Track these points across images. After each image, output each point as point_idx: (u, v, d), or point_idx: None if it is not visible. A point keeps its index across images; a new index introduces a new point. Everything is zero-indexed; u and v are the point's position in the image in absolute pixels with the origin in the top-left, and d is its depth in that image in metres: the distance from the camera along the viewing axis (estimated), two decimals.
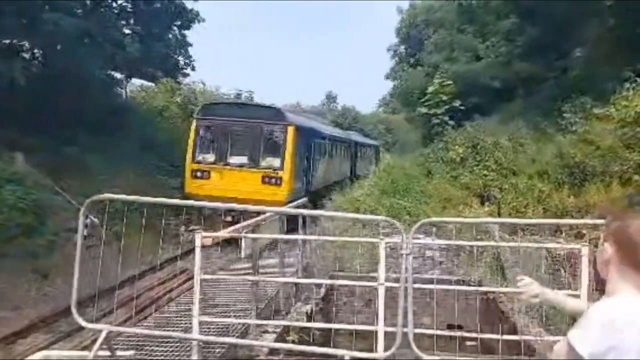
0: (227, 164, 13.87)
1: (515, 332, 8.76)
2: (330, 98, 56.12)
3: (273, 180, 13.58)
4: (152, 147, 20.01)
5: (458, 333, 5.57)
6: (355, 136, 26.75)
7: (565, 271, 8.36)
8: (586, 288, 5.36)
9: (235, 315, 6.44)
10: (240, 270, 8.48)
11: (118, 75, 22.71)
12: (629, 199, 10.95)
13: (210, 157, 14.02)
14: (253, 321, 5.76)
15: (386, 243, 5.27)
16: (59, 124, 15.76)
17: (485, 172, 15.85)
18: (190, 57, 25.59)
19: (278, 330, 7.19)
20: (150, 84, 25.94)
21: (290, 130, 13.95)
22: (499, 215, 12.51)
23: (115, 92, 23.33)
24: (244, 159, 13.86)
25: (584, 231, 9.02)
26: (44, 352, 5.49)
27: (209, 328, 5.73)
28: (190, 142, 14.26)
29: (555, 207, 12.75)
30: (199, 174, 13.94)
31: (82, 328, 7.83)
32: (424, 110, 22.15)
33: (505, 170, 15.50)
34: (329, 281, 8.09)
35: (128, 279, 9.49)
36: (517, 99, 22.86)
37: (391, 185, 15.50)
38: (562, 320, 8.63)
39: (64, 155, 15.04)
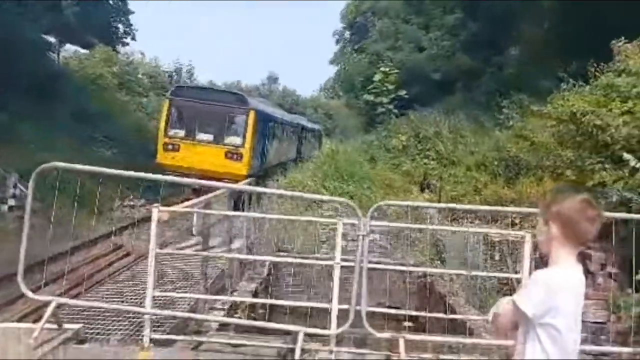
0: (195, 140, 15.21)
1: (452, 311, 9.21)
2: (272, 79, 55.48)
3: (235, 156, 15.06)
4: (86, 117, 19.04)
5: (408, 312, 5.72)
6: (302, 120, 28.47)
7: (503, 255, 8.84)
8: (527, 271, 5.69)
9: (184, 291, 6.30)
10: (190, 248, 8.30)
11: (52, 39, 21.23)
12: (556, 189, 11.66)
13: (181, 133, 15.30)
14: (206, 296, 5.67)
15: (344, 224, 5.33)
16: None
17: (426, 160, 16.34)
18: (131, 25, 24.48)
19: (226, 307, 7.13)
20: (85, 51, 24.50)
21: (251, 114, 15.53)
22: (439, 201, 12.96)
23: (49, 57, 21.90)
24: (210, 137, 15.30)
25: (516, 220, 9.57)
26: None
27: (157, 302, 5.57)
28: (163, 117, 15.61)
29: (490, 197, 13.37)
30: (170, 146, 15.21)
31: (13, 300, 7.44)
32: (369, 97, 22.41)
33: (445, 160, 16.05)
34: (284, 259, 8.05)
35: (60, 254, 9.04)
36: (457, 92, 23.65)
37: (335, 169, 15.63)
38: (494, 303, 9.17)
39: None
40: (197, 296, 5.57)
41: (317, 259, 10.76)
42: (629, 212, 6.88)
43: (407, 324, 11.07)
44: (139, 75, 26.22)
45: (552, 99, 11.18)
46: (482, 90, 21.80)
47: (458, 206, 8.03)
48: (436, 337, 5.54)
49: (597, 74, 10.90)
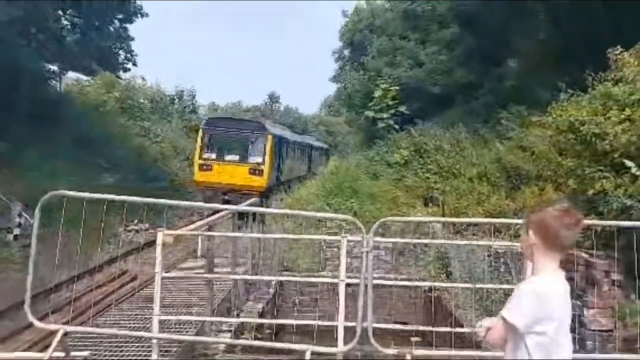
0: (224, 160, 18.57)
1: (460, 326, 9.16)
2: (273, 98, 55.89)
3: (257, 172, 18.33)
4: (88, 143, 19.20)
5: (415, 327, 5.71)
6: (311, 140, 32.90)
7: (506, 266, 8.82)
8: None
9: (190, 313, 6.31)
10: (194, 270, 8.31)
11: (54, 67, 21.52)
12: (553, 202, 11.66)
13: (213, 156, 18.68)
14: (212, 318, 5.68)
15: (348, 241, 5.36)
16: None
17: (428, 175, 16.35)
18: (132, 51, 24.78)
19: (233, 328, 7.13)
20: (87, 77, 24.81)
21: (269, 137, 18.99)
22: (443, 216, 12.96)
23: (50, 85, 22.14)
24: (236, 157, 18.75)
25: (521, 231, 9.57)
26: None
27: (166, 326, 5.59)
28: (198, 143, 19.06)
29: (493, 209, 13.34)
30: (204, 167, 18.44)
31: (21, 330, 7.44)
32: (370, 114, 22.57)
33: (447, 173, 16.05)
34: (289, 278, 8.04)
35: (66, 281, 9.07)
36: (456, 106, 23.75)
37: (338, 186, 15.69)
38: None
39: None
40: (203, 319, 5.57)
41: (322, 276, 10.78)
42: (630, 219, 6.89)
43: (414, 339, 11.03)
44: (141, 100, 26.47)
45: (552, 109, 11.22)
46: (481, 103, 21.88)
47: (461, 220, 8.04)
48: (443, 352, 5.53)
49: (594, 83, 10.94)
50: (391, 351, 5.33)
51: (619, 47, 10.81)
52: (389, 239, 6.22)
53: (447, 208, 14.25)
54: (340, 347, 5.26)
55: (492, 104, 19.70)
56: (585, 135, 9.07)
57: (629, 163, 7.59)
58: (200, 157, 18.58)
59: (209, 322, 6.60)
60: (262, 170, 18.35)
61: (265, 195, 17.29)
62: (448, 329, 5.80)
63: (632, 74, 9.89)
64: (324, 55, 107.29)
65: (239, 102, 48.21)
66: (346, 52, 39.66)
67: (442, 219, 10.24)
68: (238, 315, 8.52)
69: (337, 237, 5.29)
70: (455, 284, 7.84)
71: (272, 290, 10.63)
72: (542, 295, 2.29)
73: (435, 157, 16.81)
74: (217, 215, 6.88)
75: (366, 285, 5.27)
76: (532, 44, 21.50)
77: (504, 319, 2.37)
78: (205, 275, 6.10)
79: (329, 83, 49.57)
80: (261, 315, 8.93)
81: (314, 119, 57.20)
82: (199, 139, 19.07)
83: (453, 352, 5.42)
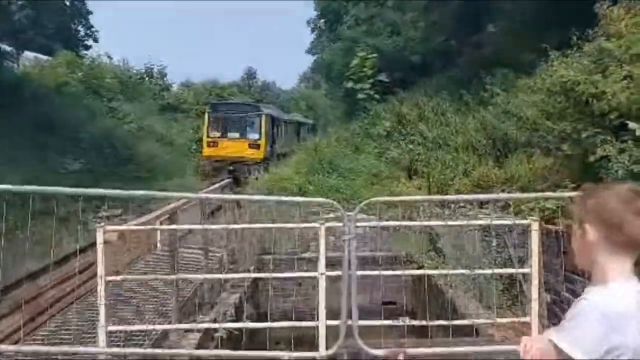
0: (228, 137, 22.56)
1: (453, 309, 8.57)
2: (250, 74, 54.21)
3: (255, 146, 22.33)
4: (50, 126, 17.98)
5: (407, 322, 5.03)
6: (299, 117, 37.54)
7: (502, 242, 8.20)
8: (537, 265, 5.06)
9: (151, 318, 5.53)
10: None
11: (7, 47, 20.01)
12: (549, 170, 11.08)
13: (218, 134, 22.78)
14: (171, 326, 4.91)
15: (325, 228, 4.62)
16: None
17: (411, 146, 15.66)
18: (92, 27, 23.28)
19: (202, 328, 6.38)
20: (46, 57, 23.27)
21: (264, 117, 22.93)
22: (429, 188, 12.31)
23: (4, 67, 20.65)
24: (237, 135, 22.71)
25: (510, 203, 8.93)
26: None
27: (117, 337, 4.80)
28: (205, 124, 23.25)
29: (481, 179, 12.73)
30: (211, 143, 22.65)
31: None
32: (349, 84, 21.71)
33: (431, 144, 15.37)
34: (261, 274, 7.31)
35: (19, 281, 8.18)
36: (437, 73, 23.03)
37: (319, 162, 14.96)
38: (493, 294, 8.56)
39: None
40: (161, 327, 4.79)
41: (303, 259, 10.06)
42: None
43: (403, 319, 10.41)
44: (108, 80, 25.10)
45: (542, 70, 10.52)
46: (463, 69, 21.16)
47: (451, 197, 7.35)
48: (438, 348, 4.88)
49: (579, 42, 10.21)
50: (381, 352, 4.68)
51: (607, 1, 10.11)
52: (373, 223, 5.45)
53: (433, 180, 13.61)
54: (322, 352, 4.59)
55: (474, 68, 18.95)
56: (581, 95, 8.37)
57: (633, 125, 6.92)
58: (207, 136, 22.76)
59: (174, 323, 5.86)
60: (260, 145, 22.26)
61: (265, 163, 21.59)
62: (445, 322, 5.11)
63: (627, 28, 9.20)
64: (299, 26, 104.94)
65: (215, 78, 46.57)
66: (322, 22, 38.35)
67: (433, 197, 9.54)
68: (212, 307, 7.82)
69: (315, 225, 4.53)
70: (449, 271, 7.14)
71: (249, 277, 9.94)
72: (614, 316, 1.59)
73: (419, 128, 16.09)
74: (180, 202, 6.05)
75: (350, 277, 4.59)
76: (513, 5, 20.70)
77: (555, 345, 1.63)
78: (163, 277, 5.31)
79: (306, 56, 48.32)
80: (237, 307, 8.21)
81: (293, 94, 55.86)
82: (205, 121, 23.24)
83: (451, 349, 4.75)
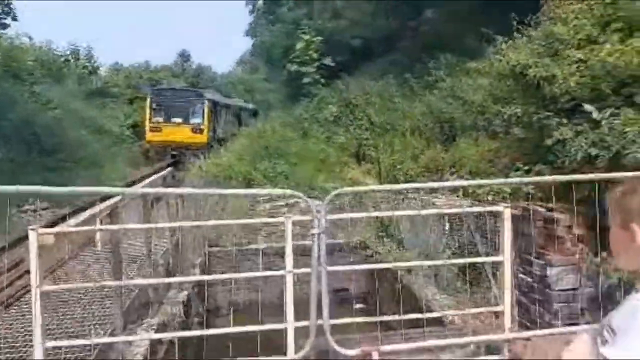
0: (171, 122, 22.80)
1: (410, 294, 8.45)
2: (184, 57, 52.11)
3: (198, 131, 22.79)
4: None
5: (380, 318, 4.75)
6: (240, 102, 37.85)
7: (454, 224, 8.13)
8: (509, 252, 4.92)
9: (94, 323, 4.94)
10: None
11: None
12: (496, 152, 11.20)
13: (161, 119, 22.97)
14: (114, 339, 4.34)
15: (293, 221, 4.20)
16: None
17: (359, 131, 15.43)
18: (10, 4, 21.23)
19: (154, 327, 5.86)
20: None
21: (207, 102, 23.51)
22: (380, 173, 12.14)
23: None
24: (180, 120, 22.96)
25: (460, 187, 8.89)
26: None
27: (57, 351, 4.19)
28: (147, 110, 23.33)
29: (430, 163, 12.72)
30: (154, 129, 22.82)
31: None
32: (293, 67, 21.09)
33: (378, 128, 15.21)
34: (225, 276, 6.83)
35: None
36: (380, 57, 22.91)
37: (265, 148, 14.40)
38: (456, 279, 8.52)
39: None
40: (102, 340, 4.21)
41: (250, 251, 9.60)
42: (596, 170, 6.31)
43: (358, 306, 10.20)
44: (29, 62, 23.12)
45: (489, 54, 10.52)
46: (405, 54, 21.13)
47: (419, 185, 7.13)
48: (412, 344, 4.65)
49: (519, 28, 10.25)
50: (354, 352, 4.37)
51: None
52: (344, 215, 5.10)
53: (382, 165, 13.48)
54: (291, 356, 4.21)
55: (417, 53, 18.94)
56: (533, 79, 8.37)
57: (588, 107, 6.93)
58: (150, 121, 22.96)
59: (120, 325, 5.30)
60: (203, 129, 22.76)
61: (207, 148, 20.79)
62: (418, 315, 4.88)
63: (574, 13, 9.30)
64: (236, 7, 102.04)
65: (146, 62, 44.34)
66: (260, 3, 37.33)
67: (397, 186, 9.33)
68: (159, 307, 7.24)
69: (281, 219, 4.10)
70: (414, 262, 6.95)
71: (198, 271, 9.39)
72: None
73: (366, 112, 15.87)
74: (114, 200, 5.43)
75: (319, 273, 4.21)
76: None
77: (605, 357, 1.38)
78: (106, 283, 4.71)
79: (244, 38, 47.02)
80: (186, 304, 7.68)
81: (230, 77, 54.34)
82: (147, 106, 23.33)
83: (423, 343, 4.51)
